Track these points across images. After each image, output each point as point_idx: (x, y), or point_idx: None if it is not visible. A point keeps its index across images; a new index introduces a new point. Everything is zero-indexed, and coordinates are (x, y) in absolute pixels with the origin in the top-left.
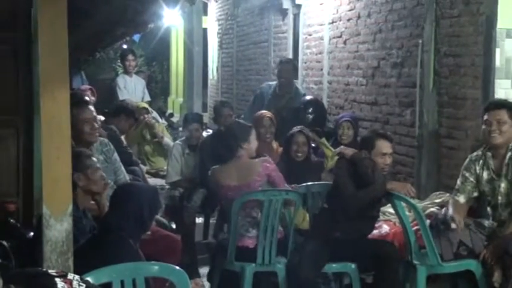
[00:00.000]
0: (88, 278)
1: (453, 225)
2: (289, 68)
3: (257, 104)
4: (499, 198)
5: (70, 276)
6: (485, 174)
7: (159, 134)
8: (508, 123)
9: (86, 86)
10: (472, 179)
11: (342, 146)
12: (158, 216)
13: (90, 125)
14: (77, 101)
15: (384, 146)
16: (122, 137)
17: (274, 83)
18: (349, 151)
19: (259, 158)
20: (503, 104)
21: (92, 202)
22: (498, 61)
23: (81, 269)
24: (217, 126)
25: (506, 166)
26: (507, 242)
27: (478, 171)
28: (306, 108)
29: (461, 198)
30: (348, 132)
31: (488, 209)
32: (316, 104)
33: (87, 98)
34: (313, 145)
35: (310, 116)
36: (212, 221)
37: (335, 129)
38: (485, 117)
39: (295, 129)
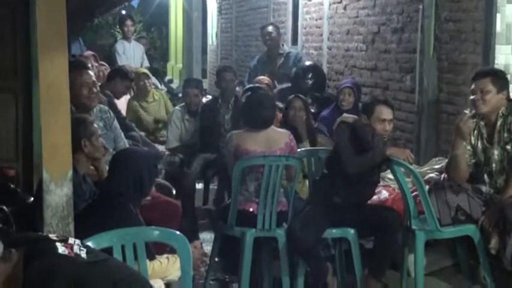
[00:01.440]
0: (89, 243)
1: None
2: (270, 30)
3: (250, 74)
4: (493, 165)
5: (71, 240)
6: (479, 144)
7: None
8: (493, 92)
9: (89, 52)
10: (468, 147)
11: (344, 114)
12: (161, 180)
13: (88, 89)
14: (75, 65)
15: (384, 112)
16: (123, 99)
17: (258, 55)
18: (351, 118)
19: (282, 130)
20: (487, 73)
21: (92, 167)
22: (499, 26)
23: (81, 233)
24: (219, 91)
25: (498, 133)
26: (504, 207)
27: (473, 142)
28: (305, 74)
29: None
30: (349, 98)
31: (485, 176)
32: (316, 69)
33: (89, 65)
34: (312, 111)
35: (310, 82)
36: (212, 186)
37: (336, 95)
38: (472, 86)
39: (292, 96)
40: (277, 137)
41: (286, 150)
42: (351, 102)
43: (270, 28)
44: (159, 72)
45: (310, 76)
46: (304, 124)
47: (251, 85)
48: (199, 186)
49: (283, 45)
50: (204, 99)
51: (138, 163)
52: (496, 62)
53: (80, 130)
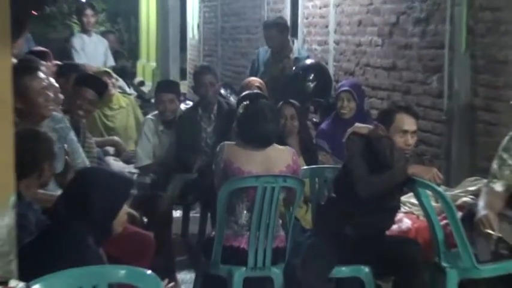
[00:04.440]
0: (36, 286)
1: (485, 229)
2: (272, 32)
3: (253, 71)
4: None
5: (13, 283)
6: None
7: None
8: None
9: (40, 48)
10: (511, 162)
11: (356, 124)
12: (128, 208)
13: (44, 96)
14: (25, 68)
15: (406, 122)
16: None
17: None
18: (364, 128)
19: (285, 146)
20: None
21: (41, 191)
22: None
23: (27, 274)
24: (198, 97)
25: None
26: None
27: None
28: (306, 75)
29: (498, 186)
30: (349, 104)
31: None
32: (319, 69)
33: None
34: (314, 120)
35: (311, 85)
36: (193, 214)
37: (335, 101)
38: None
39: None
40: (278, 156)
41: (289, 173)
42: (352, 109)
43: (272, 30)
44: (126, 72)
45: (312, 77)
46: (296, 137)
47: (249, 91)
48: (176, 213)
49: (293, 41)
50: (183, 106)
51: (105, 188)
52: None
53: (40, 150)
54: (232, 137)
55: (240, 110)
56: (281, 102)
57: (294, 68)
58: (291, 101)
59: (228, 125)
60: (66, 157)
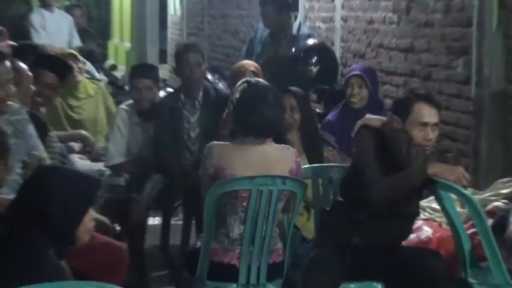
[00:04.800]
0: None
1: None
2: (269, 9)
3: (248, 53)
4: None
5: None
6: None
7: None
8: None
9: None
10: None
11: (367, 115)
12: (95, 214)
13: (5, 89)
14: None
15: (426, 113)
16: None
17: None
18: (376, 120)
19: (284, 146)
20: None
21: None
22: None
23: None
24: (180, 81)
25: None
26: None
27: None
28: (308, 58)
29: None
30: (360, 92)
31: None
32: (323, 51)
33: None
34: (317, 111)
35: (314, 69)
36: (175, 222)
37: (343, 88)
38: None
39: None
40: (280, 158)
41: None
42: (364, 98)
43: (267, 6)
44: (95, 54)
45: (314, 61)
46: (297, 132)
47: (248, 78)
48: (155, 221)
49: (295, 16)
50: (162, 94)
51: (66, 189)
52: None
53: None
54: (220, 130)
55: (237, 94)
56: (280, 90)
57: (293, 49)
58: (292, 88)
59: (215, 115)
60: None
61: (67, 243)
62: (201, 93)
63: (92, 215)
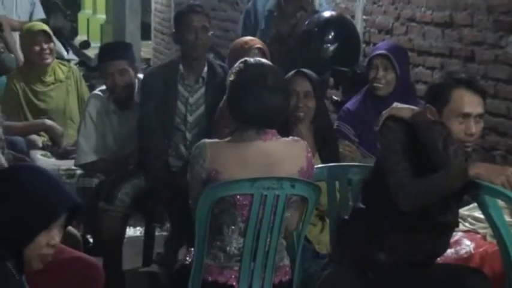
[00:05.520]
0: None
1: None
2: None
3: (248, 28)
4: None
5: None
6: None
7: None
8: None
9: None
10: None
11: (395, 104)
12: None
13: None
14: None
15: (468, 102)
16: None
17: None
18: (406, 110)
19: (292, 138)
20: None
21: None
22: None
23: None
24: (178, 51)
25: None
26: None
27: None
28: (323, 34)
29: None
30: (386, 75)
31: None
32: (342, 25)
33: None
34: (334, 98)
35: (330, 48)
36: (160, 233)
37: (366, 71)
38: None
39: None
40: (286, 155)
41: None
42: (390, 83)
43: None
44: (63, 30)
45: (331, 37)
46: (309, 124)
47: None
48: (136, 231)
49: None
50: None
51: (22, 193)
52: None
53: None
54: (217, 122)
55: (232, 77)
56: (291, 73)
57: (306, 23)
58: (305, 71)
59: (221, 99)
60: None
61: (14, 260)
62: (205, 68)
63: (53, 238)
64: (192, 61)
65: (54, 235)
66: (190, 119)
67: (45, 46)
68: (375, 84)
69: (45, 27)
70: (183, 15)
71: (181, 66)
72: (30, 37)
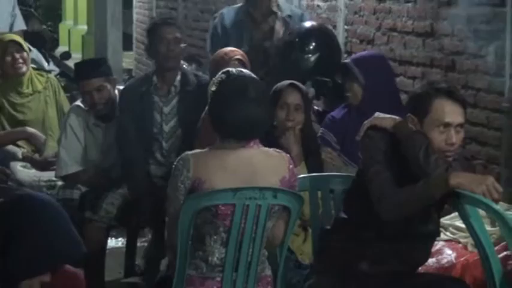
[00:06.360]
0: None
1: None
2: None
3: (216, 44)
4: None
5: None
6: None
7: None
8: None
9: None
10: None
11: (376, 113)
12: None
13: None
14: None
15: (448, 111)
16: None
17: (239, 5)
18: (388, 121)
19: (275, 150)
20: None
21: None
22: None
23: None
24: (152, 64)
25: None
26: None
27: None
28: (305, 44)
29: None
30: (352, 85)
31: None
32: (323, 35)
33: None
34: (316, 108)
35: (312, 58)
36: (141, 244)
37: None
38: None
39: (284, 82)
40: (267, 165)
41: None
42: (356, 93)
43: None
44: (44, 40)
45: (313, 47)
46: (298, 135)
47: (230, 69)
48: (117, 242)
49: None
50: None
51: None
52: None
53: None
54: (200, 133)
55: (213, 88)
56: (283, 85)
57: (287, 32)
58: (297, 84)
59: (195, 108)
60: None
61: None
62: (178, 78)
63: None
64: (166, 72)
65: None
66: (166, 128)
67: (17, 56)
68: (348, 93)
69: (16, 37)
70: (156, 28)
71: (155, 78)
72: (1, 48)
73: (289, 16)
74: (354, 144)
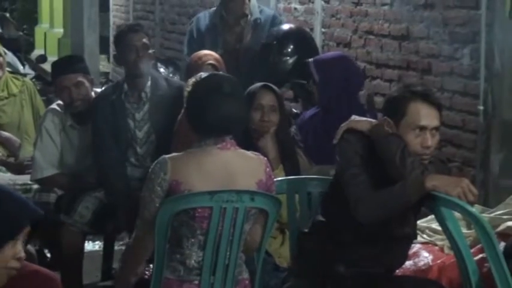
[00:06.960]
0: None
1: None
2: None
3: (193, 48)
4: None
5: None
6: None
7: None
8: None
9: None
10: None
11: (353, 117)
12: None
13: None
14: None
15: (424, 114)
16: None
17: (214, 9)
18: (364, 123)
19: (252, 152)
20: None
21: None
22: None
23: None
24: (123, 69)
25: None
26: None
27: None
28: (282, 47)
29: None
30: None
31: None
32: (301, 38)
33: None
34: (294, 110)
35: (290, 60)
36: (118, 247)
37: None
38: None
39: (258, 84)
40: (246, 168)
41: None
42: (313, 91)
43: None
44: (19, 43)
45: (290, 50)
46: (274, 137)
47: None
48: (95, 246)
49: None
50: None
51: None
52: None
53: None
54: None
55: (188, 88)
56: (257, 87)
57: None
58: (271, 85)
59: (167, 112)
60: None
61: None
62: (148, 83)
63: (19, 251)
64: (136, 79)
65: (20, 248)
66: (139, 134)
67: None
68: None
69: None
70: (122, 35)
71: (125, 85)
72: None
73: (258, 19)
74: (315, 144)
